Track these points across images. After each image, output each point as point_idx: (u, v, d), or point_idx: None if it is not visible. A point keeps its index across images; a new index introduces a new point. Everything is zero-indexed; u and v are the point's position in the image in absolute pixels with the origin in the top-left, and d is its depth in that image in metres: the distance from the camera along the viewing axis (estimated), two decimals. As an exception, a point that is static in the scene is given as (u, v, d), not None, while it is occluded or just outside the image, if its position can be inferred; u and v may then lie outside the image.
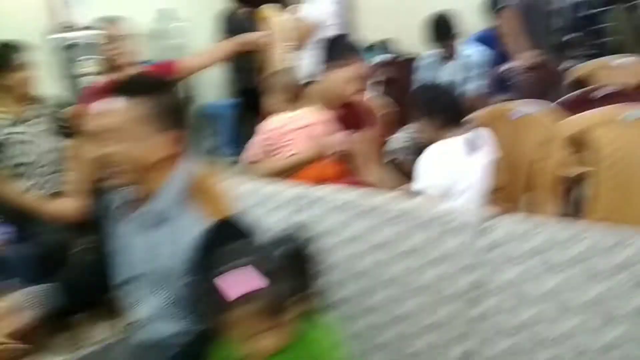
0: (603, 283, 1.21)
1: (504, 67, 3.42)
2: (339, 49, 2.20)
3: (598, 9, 3.52)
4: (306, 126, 2.11)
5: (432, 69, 3.51)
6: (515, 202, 2.05)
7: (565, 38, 3.57)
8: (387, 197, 1.53)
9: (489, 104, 3.33)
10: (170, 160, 1.26)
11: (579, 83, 2.99)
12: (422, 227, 1.44)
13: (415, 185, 1.86)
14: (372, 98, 2.68)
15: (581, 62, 3.58)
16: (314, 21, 3.15)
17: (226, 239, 1.10)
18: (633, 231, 1.22)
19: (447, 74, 3.46)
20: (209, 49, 2.78)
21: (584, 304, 1.22)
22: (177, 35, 4.54)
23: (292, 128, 2.11)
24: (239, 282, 0.99)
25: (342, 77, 2.14)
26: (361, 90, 2.22)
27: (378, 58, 4.34)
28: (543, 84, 3.22)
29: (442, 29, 3.35)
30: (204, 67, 2.66)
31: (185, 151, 1.30)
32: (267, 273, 0.99)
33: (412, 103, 1.99)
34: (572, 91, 2.66)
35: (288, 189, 1.67)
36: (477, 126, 1.99)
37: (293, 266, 1.05)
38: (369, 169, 2.23)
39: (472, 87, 3.41)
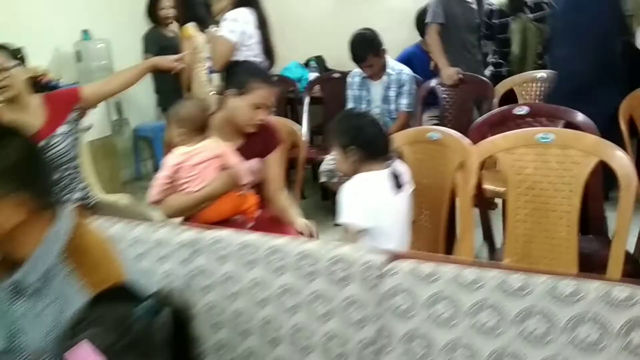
0: (513, 328, 1.14)
1: (431, 83, 3.39)
2: (242, 75, 2.09)
3: (507, 18, 3.54)
4: (213, 158, 2.01)
5: (362, 86, 3.46)
6: (437, 229, 1.97)
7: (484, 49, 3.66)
8: (287, 239, 1.41)
9: (418, 121, 3.34)
10: (31, 224, 1.10)
11: (507, 98, 3.02)
12: (323, 272, 1.34)
13: (339, 219, 1.76)
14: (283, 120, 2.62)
15: (496, 73, 3.66)
16: (232, 41, 2.97)
17: (105, 312, 0.98)
18: (538, 275, 1.15)
19: (377, 90, 3.42)
20: (118, 73, 2.62)
21: (494, 353, 1.14)
22: (102, 56, 4.36)
23: (198, 161, 1.99)
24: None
25: (246, 105, 2.04)
26: (266, 117, 2.11)
27: (312, 75, 4.27)
28: (470, 100, 3.23)
29: (365, 47, 3.27)
30: (113, 92, 2.50)
31: (53, 207, 1.14)
32: (106, 350, 0.86)
33: (333, 131, 1.87)
34: (501, 106, 2.68)
35: (180, 234, 1.54)
36: (399, 156, 1.92)
37: (152, 340, 0.92)
38: (280, 193, 2.16)
39: (404, 103, 3.36)
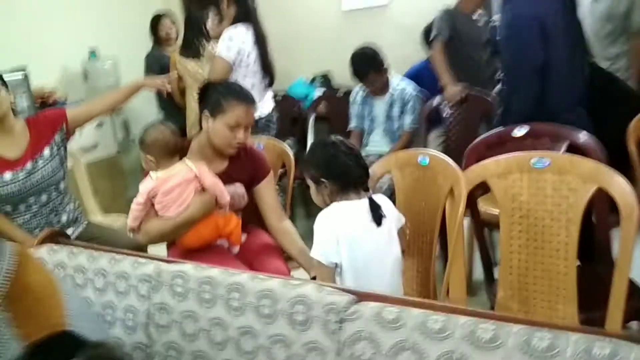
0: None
1: (435, 100, 3.26)
2: (215, 95, 1.98)
3: None
4: (188, 180, 1.92)
5: (365, 102, 3.36)
6: (429, 259, 1.84)
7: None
8: (247, 276, 1.31)
9: (423, 140, 3.21)
10: None
11: None
12: (283, 314, 1.23)
13: (313, 253, 1.63)
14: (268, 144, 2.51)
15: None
16: (228, 60, 2.89)
17: None
18: (510, 325, 1.02)
19: (380, 107, 3.32)
20: (105, 95, 2.58)
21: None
22: (109, 75, 4.34)
23: (172, 185, 1.90)
24: None
25: (222, 126, 1.95)
26: (246, 137, 2.00)
27: (318, 92, 4.18)
28: (475, 118, 3.09)
29: (366, 64, 3.17)
30: (99, 113, 2.46)
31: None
32: None
33: (305, 163, 1.74)
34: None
35: (141, 267, 1.45)
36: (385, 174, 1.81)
37: None
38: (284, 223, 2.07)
39: (407, 121, 3.26)
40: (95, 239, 2.43)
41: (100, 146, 4.21)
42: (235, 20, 2.99)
